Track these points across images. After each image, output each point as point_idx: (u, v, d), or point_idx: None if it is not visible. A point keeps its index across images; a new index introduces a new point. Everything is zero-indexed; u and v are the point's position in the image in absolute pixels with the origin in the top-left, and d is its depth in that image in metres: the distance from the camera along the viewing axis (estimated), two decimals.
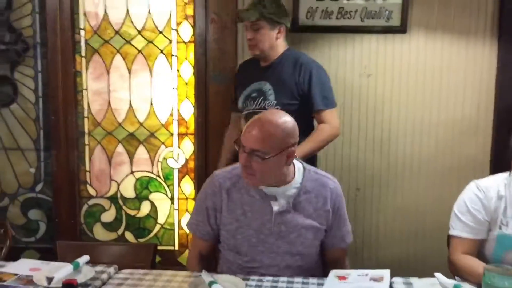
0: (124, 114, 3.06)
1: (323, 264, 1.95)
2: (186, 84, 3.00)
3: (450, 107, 2.81)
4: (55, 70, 3.00)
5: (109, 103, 3.06)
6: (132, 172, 3.11)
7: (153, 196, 3.11)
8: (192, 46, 2.97)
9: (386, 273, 1.70)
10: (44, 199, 3.15)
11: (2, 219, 2.98)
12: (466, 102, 2.81)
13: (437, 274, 1.66)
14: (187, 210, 3.09)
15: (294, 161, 1.84)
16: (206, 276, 1.66)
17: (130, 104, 3.05)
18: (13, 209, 3.17)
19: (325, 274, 1.79)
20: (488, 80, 2.78)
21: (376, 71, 2.80)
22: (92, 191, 3.15)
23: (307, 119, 2.43)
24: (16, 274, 1.76)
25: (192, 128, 3.01)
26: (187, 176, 3.07)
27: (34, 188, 3.14)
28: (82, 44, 3.02)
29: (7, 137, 3.11)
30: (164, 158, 3.06)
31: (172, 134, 3.05)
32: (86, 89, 3.06)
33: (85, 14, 3.00)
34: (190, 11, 2.95)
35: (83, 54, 3.03)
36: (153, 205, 3.11)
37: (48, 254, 2.26)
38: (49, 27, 2.97)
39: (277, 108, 2.28)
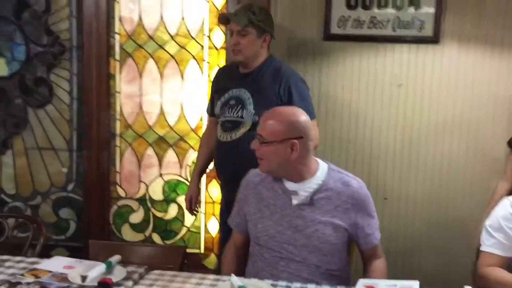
0: (155, 117, 3.12)
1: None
2: None
3: (481, 119, 2.78)
4: (90, 73, 3.08)
5: (140, 106, 3.13)
6: (161, 175, 3.16)
7: (181, 199, 3.15)
8: (223, 52, 3.01)
9: (415, 284, 1.70)
10: (75, 199, 3.22)
11: (34, 217, 3.06)
12: (497, 114, 2.78)
13: (466, 287, 1.65)
14: (213, 214, 3.12)
15: (319, 160, 1.94)
16: (235, 280, 1.68)
17: (161, 108, 3.11)
18: (44, 207, 3.25)
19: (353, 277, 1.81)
20: None
21: (407, 81, 2.79)
22: (121, 192, 3.21)
23: None
24: (50, 271, 1.81)
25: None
26: (214, 181, 3.10)
27: (66, 187, 3.22)
28: (117, 48, 3.10)
29: (42, 137, 3.20)
30: (193, 162, 3.10)
31: None
32: (119, 92, 3.13)
33: (120, 19, 3.08)
34: None
35: (117, 58, 3.11)
36: (180, 208, 3.16)
37: (77, 252, 2.31)
38: (85, 31, 3.05)
39: (255, 119, 2.29)
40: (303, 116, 1.89)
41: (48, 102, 3.17)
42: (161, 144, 3.14)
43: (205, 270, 2.99)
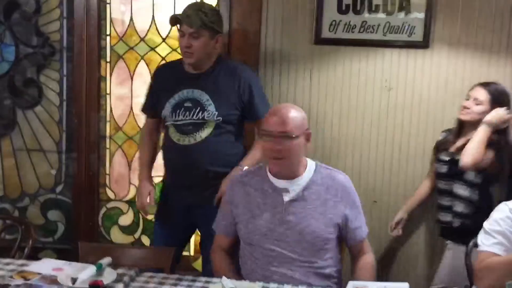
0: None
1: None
2: None
3: None
4: (80, 74, 3.06)
5: (131, 108, 3.11)
6: None
7: None
8: None
9: (405, 286, 1.71)
10: (64, 201, 3.19)
11: (23, 218, 3.04)
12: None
13: None
14: None
15: (306, 158, 1.99)
16: (226, 282, 1.68)
17: None
18: (32, 209, 3.22)
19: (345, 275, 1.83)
20: None
21: (397, 85, 2.80)
22: (111, 194, 3.20)
23: (242, 128, 2.47)
24: (39, 273, 1.80)
25: None
26: None
27: (55, 189, 3.19)
28: (108, 50, 3.08)
29: (30, 139, 3.17)
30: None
31: None
32: (110, 94, 3.12)
33: (111, 21, 3.06)
34: None
35: (108, 59, 3.09)
36: None
37: (65, 255, 2.28)
38: (76, 32, 3.03)
39: (218, 120, 2.31)
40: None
41: (37, 103, 3.14)
42: None
43: (194, 272, 2.97)
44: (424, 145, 2.83)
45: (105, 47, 3.08)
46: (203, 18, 2.26)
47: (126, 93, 3.12)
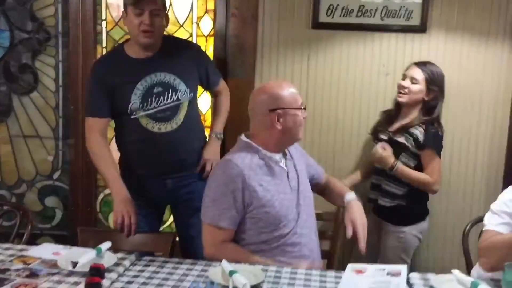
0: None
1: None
2: None
3: (467, 108, 2.82)
4: (76, 60, 3.04)
5: None
6: None
7: None
8: (212, 40, 3.00)
9: (403, 268, 1.72)
10: (61, 187, 3.19)
11: (21, 204, 3.03)
12: (483, 103, 2.82)
13: (454, 271, 1.68)
14: None
15: None
16: (226, 265, 1.69)
17: None
18: (30, 196, 3.21)
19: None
20: (506, 82, 2.79)
21: (394, 70, 2.81)
22: None
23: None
24: (39, 258, 1.80)
25: (209, 122, 3.03)
26: None
27: (52, 175, 3.19)
28: (103, 35, 3.06)
29: (27, 125, 3.15)
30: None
31: None
32: None
33: (107, 6, 3.04)
34: (211, 5, 2.98)
35: (103, 45, 3.07)
36: None
37: (63, 241, 2.28)
38: (71, 17, 3.01)
39: (191, 96, 2.33)
40: None
41: (33, 89, 3.12)
42: None
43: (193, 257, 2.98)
44: None
45: (101, 32, 3.05)
46: None
47: None
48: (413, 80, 2.51)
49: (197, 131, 2.44)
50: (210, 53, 3.00)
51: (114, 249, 1.90)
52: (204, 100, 3.03)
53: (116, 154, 2.40)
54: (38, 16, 3.07)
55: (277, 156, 1.99)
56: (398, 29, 2.78)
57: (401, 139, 2.50)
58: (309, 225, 2.02)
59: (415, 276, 1.73)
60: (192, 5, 3.00)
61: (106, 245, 1.85)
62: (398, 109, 2.63)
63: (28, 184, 3.20)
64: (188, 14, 3.01)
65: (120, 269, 1.72)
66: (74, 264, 1.67)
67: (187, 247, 2.40)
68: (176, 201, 2.43)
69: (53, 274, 1.66)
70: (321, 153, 2.86)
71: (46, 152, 3.17)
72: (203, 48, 2.98)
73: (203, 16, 3.01)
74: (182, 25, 3.01)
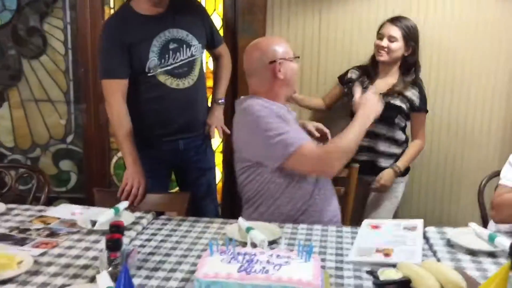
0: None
1: None
2: None
3: (484, 62, 2.77)
4: (84, 21, 3.00)
5: None
6: None
7: None
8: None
9: (419, 222, 1.73)
10: (75, 150, 3.21)
11: (36, 166, 3.06)
12: (501, 57, 2.76)
13: (471, 224, 1.68)
14: None
15: None
16: (243, 223, 1.70)
17: None
18: (44, 160, 3.23)
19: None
20: None
21: None
22: None
23: None
24: (58, 218, 1.82)
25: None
26: None
27: (65, 139, 3.20)
28: None
29: (38, 89, 3.14)
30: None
31: None
32: None
33: None
34: None
35: (111, 5, 3.02)
36: None
37: (79, 203, 2.30)
38: None
39: (202, 52, 2.36)
40: None
41: (42, 52, 3.09)
42: None
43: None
44: (436, 86, 2.80)
45: None
46: None
47: None
48: (391, 39, 2.43)
49: (205, 88, 2.47)
50: (219, 12, 2.95)
51: (130, 209, 1.92)
52: None
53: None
54: None
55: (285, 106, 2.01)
56: None
57: (398, 103, 2.47)
58: None
59: (431, 230, 1.74)
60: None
61: (124, 204, 1.87)
62: (375, 66, 2.55)
63: (42, 148, 3.22)
64: None
65: (138, 228, 1.74)
66: (93, 223, 1.69)
67: (194, 208, 2.41)
68: (185, 163, 2.44)
69: (73, 233, 1.68)
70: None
71: (58, 116, 3.17)
72: (212, 6, 2.96)
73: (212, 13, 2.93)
74: None
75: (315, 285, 1.16)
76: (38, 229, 1.71)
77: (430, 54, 2.75)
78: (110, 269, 1.24)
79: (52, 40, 3.08)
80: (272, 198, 1.93)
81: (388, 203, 2.58)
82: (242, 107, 1.94)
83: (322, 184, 1.96)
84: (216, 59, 2.53)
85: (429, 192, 2.93)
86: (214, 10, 2.96)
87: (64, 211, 1.90)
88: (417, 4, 2.73)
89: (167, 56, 2.23)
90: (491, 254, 1.54)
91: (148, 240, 1.67)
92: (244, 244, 1.45)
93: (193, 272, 1.39)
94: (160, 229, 1.77)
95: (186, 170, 2.47)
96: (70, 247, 1.57)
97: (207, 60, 2.90)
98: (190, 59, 2.29)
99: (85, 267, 1.44)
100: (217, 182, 3.11)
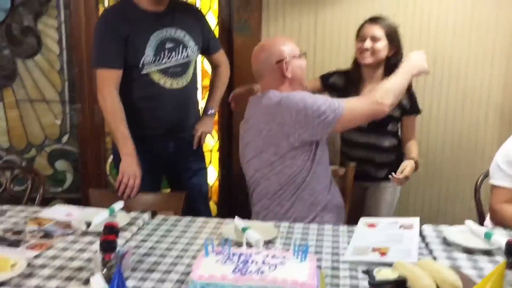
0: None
1: None
2: None
3: (479, 59, 2.76)
4: (78, 21, 2.98)
5: None
6: None
7: None
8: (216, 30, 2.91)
9: (415, 221, 1.72)
10: (71, 151, 3.19)
11: (31, 167, 3.05)
12: (496, 53, 2.76)
13: (467, 221, 1.68)
14: (210, 162, 3.12)
15: None
16: (239, 222, 1.69)
17: None
18: (40, 160, 3.21)
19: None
20: None
21: (405, 21, 2.72)
22: None
23: None
24: (53, 219, 1.81)
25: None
26: None
27: (60, 139, 3.18)
28: None
29: (32, 89, 3.12)
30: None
31: None
32: None
33: None
34: None
35: (106, 4, 3.00)
36: None
37: (75, 204, 2.30)
38: None
39: (197, 54, 2.35)
40: None
41: (37, 52, 3.07)
42: None
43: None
44: (433, 82, 2.79)
45: None
46: None
47: None
48: (375, 39, 2.32)
49: (197, 91, 2.47)
50: (214, 9, 2.93)
51: (126, 209, 1.91)
52: None
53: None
54: None
55: None
56: None
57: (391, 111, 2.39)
58: None
59: (428, 228, 1.73)
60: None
61: (119, 205, 1.86)
62: (358, 71, 2.44)
63: (38, 149, 3.20)
64: None
65: (134, 228, 1.73)
66: (88, 224, 1.68)
67: (186, 209, 2.39)
68: (176, 164, 2.42)
69: (68, 234, 1.67)
70: None
71: (53, 116, 3.15)
72: (207, 4, 2.95)
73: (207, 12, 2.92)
74: None
75: (310, 285, 1.15)
76: (32, 231, 1.70)
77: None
78: (104, 271, 1.23)
79: (46, 39, 3.06)
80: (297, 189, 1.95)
81: (388, 196, 2.53)
82: (274, 101, 1.89)
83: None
84: (214, 67, 2.50)
85: (426, 190, 2.93)
86: (210, 8, 2.95)
87: (58, 212, 1.89)
88: (412, 3, 2.72)
89: (162, 54, 2.21)
90: (487, 252, 1.53)
91: (144, 240, 1.66)
92: (240, 244, 1.44)
93: (188, 273, 1.39)
94: (155, 230, 1.75)
95: (176, 170, 2.46)
96: (64, 249, 1.56)
97: (202, 60, 2.89)
98: (185, 60, 2.27)
99: (80, 269, 1.43)
100: (213, 181, 3.13)
